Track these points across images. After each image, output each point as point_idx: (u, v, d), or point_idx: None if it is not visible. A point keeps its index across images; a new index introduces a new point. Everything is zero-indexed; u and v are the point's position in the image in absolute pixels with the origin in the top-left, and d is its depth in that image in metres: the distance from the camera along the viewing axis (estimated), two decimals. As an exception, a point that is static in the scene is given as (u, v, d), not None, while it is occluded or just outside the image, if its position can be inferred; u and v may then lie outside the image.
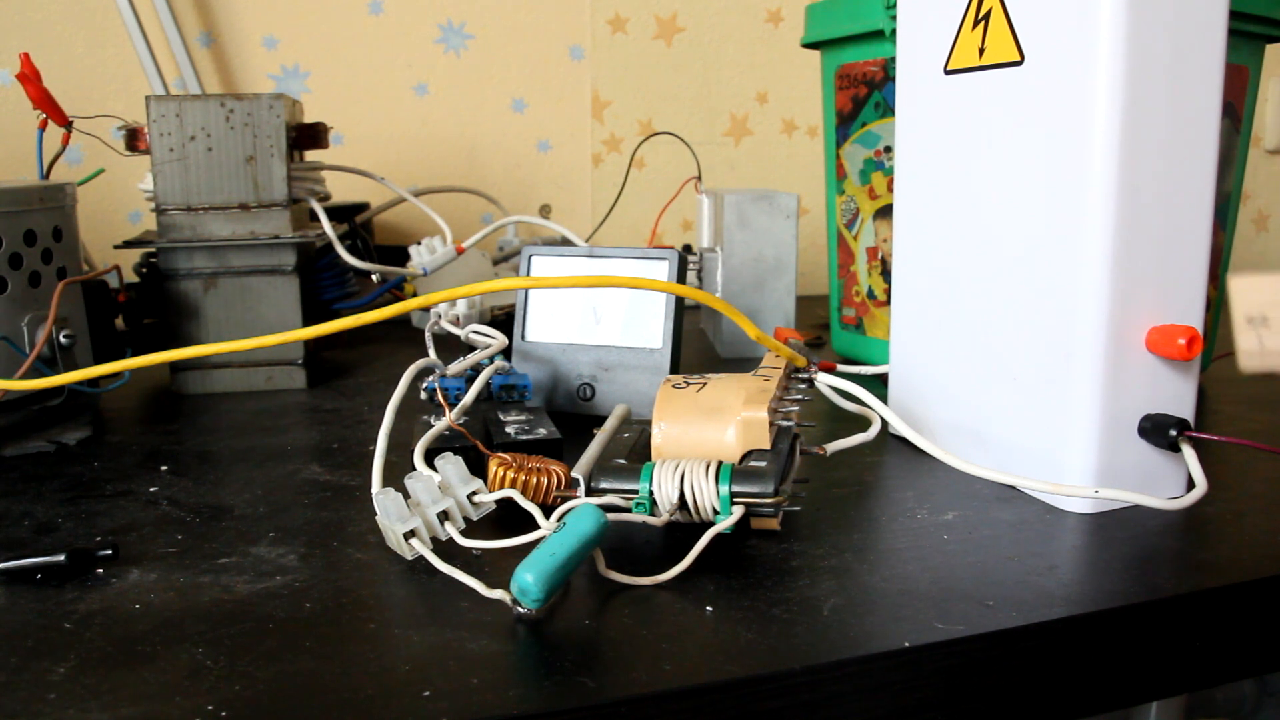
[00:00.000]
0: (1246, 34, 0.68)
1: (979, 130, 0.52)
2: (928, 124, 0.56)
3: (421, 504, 0.43)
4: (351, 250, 0.83)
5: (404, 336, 0.95)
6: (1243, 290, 0.35)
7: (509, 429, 0.55)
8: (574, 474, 0.47)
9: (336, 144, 1.11)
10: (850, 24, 0.76)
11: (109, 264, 0.73)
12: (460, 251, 0.86)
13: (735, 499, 0.43)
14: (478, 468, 0.49)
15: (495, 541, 0.42)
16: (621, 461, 0.47)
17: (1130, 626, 0.39)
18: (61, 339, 0.62)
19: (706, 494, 0.44)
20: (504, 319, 0.89)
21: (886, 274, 0.77)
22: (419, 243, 0.88)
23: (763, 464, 0.44)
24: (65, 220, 0.64)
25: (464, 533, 0.43)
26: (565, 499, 0.47)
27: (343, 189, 1.03)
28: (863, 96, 0.76)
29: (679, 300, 0.64)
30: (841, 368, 0.76)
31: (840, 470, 0.55)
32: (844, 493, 0.51)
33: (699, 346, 0.89)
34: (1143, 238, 0.46)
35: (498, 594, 0.38)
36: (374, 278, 0.87)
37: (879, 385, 0.67)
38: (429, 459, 0.49)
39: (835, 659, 0.35)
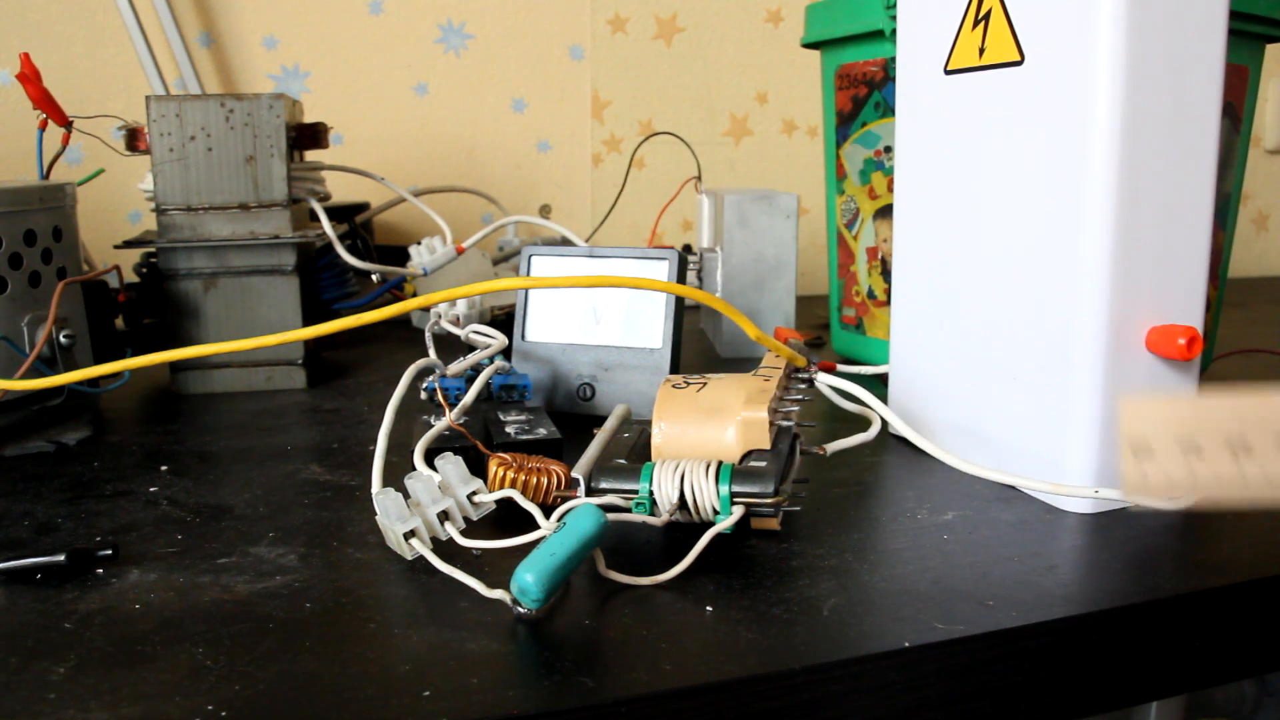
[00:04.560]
0: (1246, 34, 0.68)
1: (979, 130, 0.52)
2: (928, 124, 0.56)
3: (421, 504, 0.43)
4: (351, 250, 0.83)
5: (404, 336, 0.95)
6: (1131, 412, 0.34)
7: (509, 429, 0.55)
8: (574, 474, 0.47)
9: (336, 144, 1.11)
10: (850, 24, 0.76)
11: (109, 264, 0.73)
12: (460, 251, 0.86)
13: (735, 499, 0.43)
14: (478, 468, 0.49)
15: (495, 541, 0.42)
16: (621, 461, 0.47)
17: (1130, 626, 0.39)
18: (61, 339, 0.62)
19: (706, 494, 0.44)
20: (504, 319, 0.89)
21: (886, 274, 0.77)
22: (419, 243, 0.88)
23: (763, 464, 0.44)
24: (65, 220, 0.64)
25: (464, 533, 0.43)
26: (565, 499, 0.47)
27: (343, 189, 1.03)
28: (863, 96, 0.76)
29: (679, 300, 0.64)
30: (841, 368, 0.76)
31: (840, 470, 0.55)
32: (844, 493, 0.51)
33: (699, 346, 0.89)
34: (1143, 238, 0.46)
35: (498, 594, 0.38)
36: (374, 278, 0.87)
37: (879, 385, 0.67)
38: (429, 459, 0.49)
39: (835, 659, 0.35)
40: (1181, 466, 0.32)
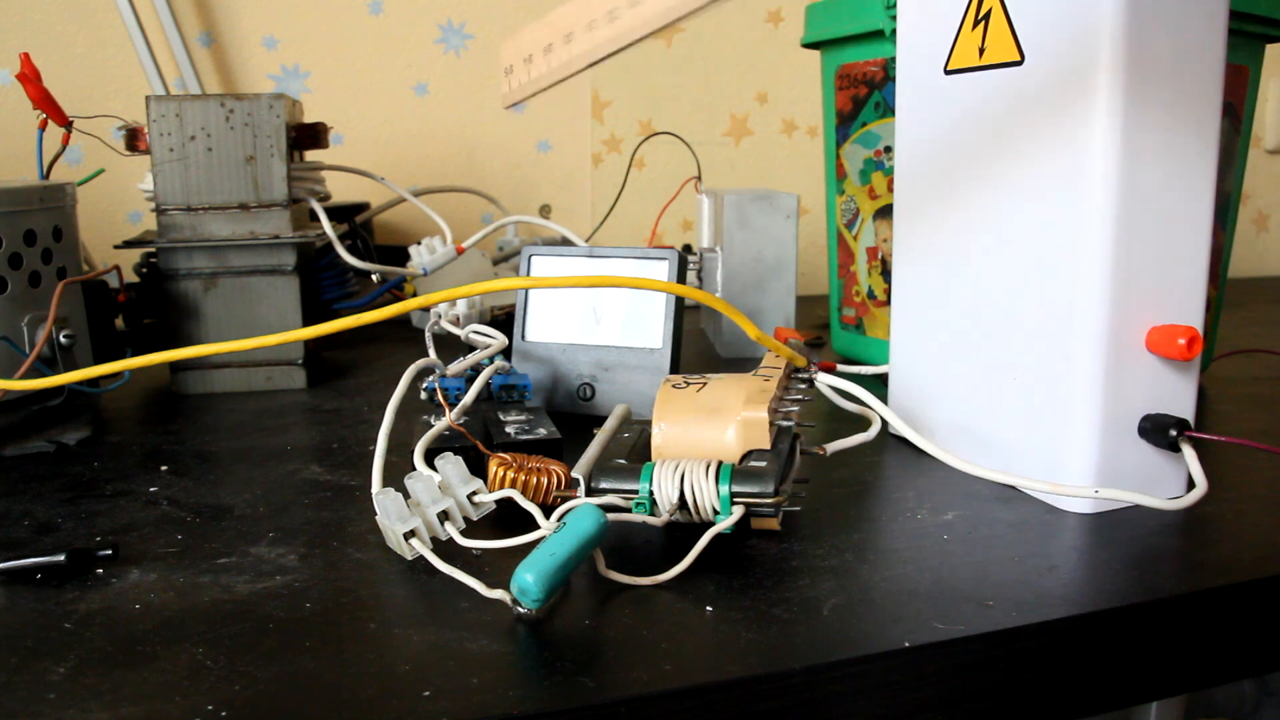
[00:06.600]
0: (1246, 34, 0.68)
1: (979, 130, 0.52)
2: (928, 124, 0.56)
3: (421, 504, 0.43)
4: (351, 250, 0.83)
5: (404, 336, 0.95)
6: (507, 47, 0.42)
7: (509, 429, 0.55)
8: (574, 474, 0.47)
9: (336, 144, 1.11)
10: (850, 24, 0.76)
11: (109, 264, 0.73)
12: (460, 251, 0.86)
13: (735, 499, 0.43)
14: (478, 468, 0.49)
15: (495, 541, 0.42)
16: (621, 461, 0.47)
17: (1130, 626, 0.39)
18: (61, 339, 0.62)
19: (706, 494, 0.44)
20: (504, 319, 0.89)
21: (886, 274, 0.77)
22: (419, 243, 0.88)
23: (763, 464, 0.44)
24: (65, 220, 0.64)
25: (464, 533, 0.43)
26: (565, 499, 0.47)
27: (343, 189, 1.03)
28: (863, 96, 0.76)
29: (679, 300, 0.64)
30: (841, 368, 0.76)
31: (840, 470, 0.55)
32: (844, 493, 0.51)
33: (699, 346, 0.89)
34: (1143, 238, 0.46)
35: (498, 594, 0.38)
36: (374, 278, 0.87)
37: (879, 385, 0.67)
38: (429, 459, 0.49)
39: (835, 659, 0.35)
40: (537, 67, 0.40)
